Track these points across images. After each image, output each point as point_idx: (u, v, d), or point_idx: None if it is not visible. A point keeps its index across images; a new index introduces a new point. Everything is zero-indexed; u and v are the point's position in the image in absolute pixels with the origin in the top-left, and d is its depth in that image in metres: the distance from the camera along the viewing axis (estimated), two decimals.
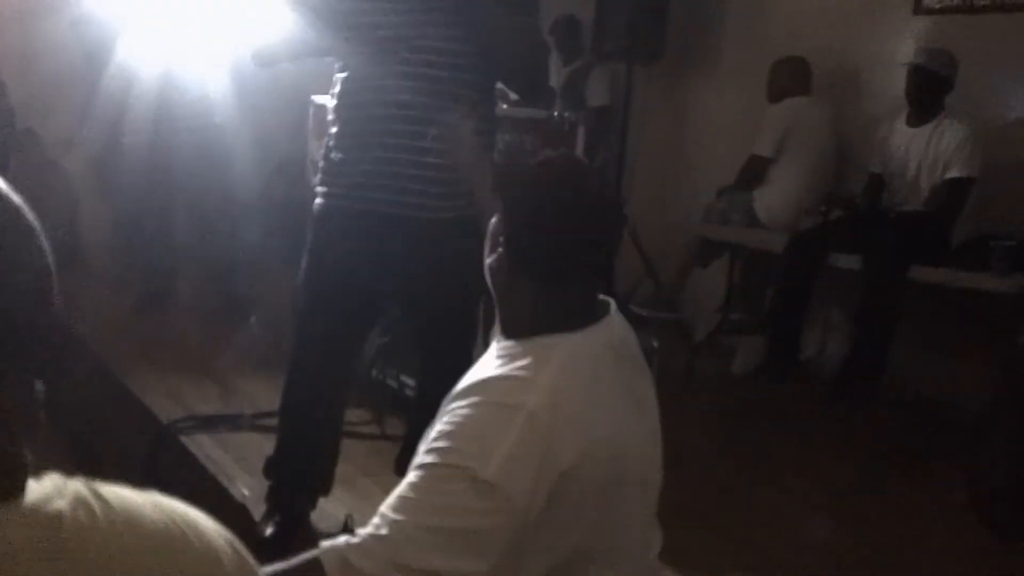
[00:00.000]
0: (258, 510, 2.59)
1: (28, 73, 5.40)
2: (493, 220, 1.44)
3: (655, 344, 3.43)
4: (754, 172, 4.55)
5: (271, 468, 2.55)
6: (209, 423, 3.28)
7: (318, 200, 2.39)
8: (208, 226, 4.59)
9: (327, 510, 2.61)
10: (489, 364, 1.37)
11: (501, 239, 1.40)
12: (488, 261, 1.43)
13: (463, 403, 1.29)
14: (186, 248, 4.67)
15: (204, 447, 3.12)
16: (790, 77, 4.53)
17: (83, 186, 5.56)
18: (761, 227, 4.53)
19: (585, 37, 5.36)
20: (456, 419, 1.28)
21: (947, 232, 3.96)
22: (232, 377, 3.76)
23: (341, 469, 2.62)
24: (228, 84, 4.20)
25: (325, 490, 2.57)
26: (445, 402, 1.34)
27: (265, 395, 3.30)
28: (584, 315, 1.38)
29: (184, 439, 3.19)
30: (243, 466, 2.95)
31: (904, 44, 4.23)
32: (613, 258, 1.48)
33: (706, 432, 3.59)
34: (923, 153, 4.00)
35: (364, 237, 2.30)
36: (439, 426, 1.30)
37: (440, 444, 1.26)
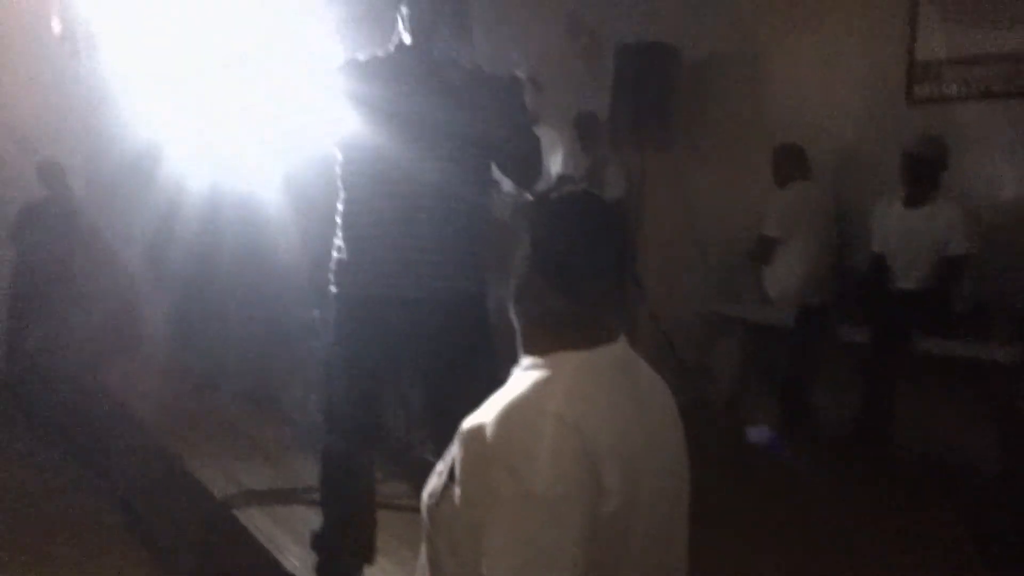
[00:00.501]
0: None
1: (93, 171, 5.81)
2: (516, 254, 1.54)
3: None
4: (764, 252, 4.81)
5: (317, 542, 2.71)
6: (261, 498, 3.49)
7: (332, 290, 2.56)
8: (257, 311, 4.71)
9: None
10: (508, 387, 1.45)
11: (526, 263, 1.50)
12: (514, 284, 1.54)
13: (494, 425, 1.35)
14: (237, 335, 4.79)
15: (256, 521, 3.31)
16: (791, 163, 4.79)
17: (140, 277, 5.90)
18: (771, 303, 4.77)
19: (602, 131, 5.64)
20: (493, 443, 1.33)
21: (948, 304, 4.17)
22: (283, 454, 3.99)
23: (383, 540, 2.76)
24: (277, 175, 4.30)
25: (369, 559, 2.72)
26: (464, 424, 1.40)
27: (314, 471, 3.52)
28: (595, 334, 1.47)
29: (237, 513, 3.39)
30: (293, 539, 3.11)
31: (899, 131, 4.45)
32: (626, 288, 1.56)
33: (720, 495, 3.73)
34: (922, 233, 4.20)
35: (379, 322, 2.47)
36: (466, 450, 1.37)
37: (483, 472, 1.33)
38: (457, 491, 1.37)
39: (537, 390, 1.38)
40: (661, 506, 1.44)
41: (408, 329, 2.47)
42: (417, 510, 3.27)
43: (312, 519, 2.96)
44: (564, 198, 1.57)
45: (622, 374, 1.47)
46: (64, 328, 5.60)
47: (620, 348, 1.50)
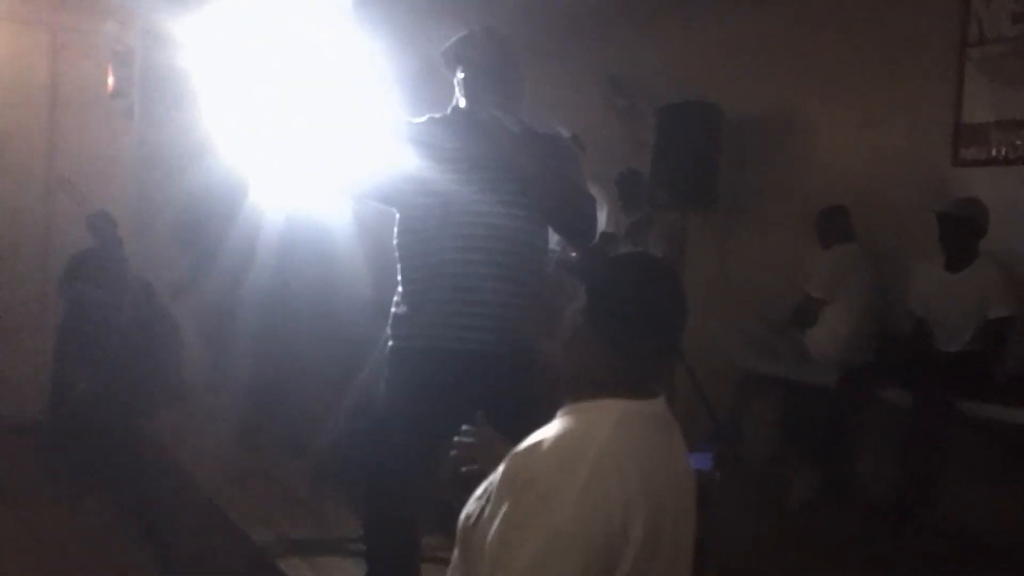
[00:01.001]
0: None
1: (143, 227, 5.94)
2: (569, 308, 1.61)
3: (717, 476, 3.62)
4: (808, 312, 4.80)
5: None
6: (302, 547, 3.51)
7: (389, 344, 2.62)
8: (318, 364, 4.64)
9: None
10: (554, 425, 1.51)
11: (580, 316, 1.57)
12: (565, 334, 1.61)
13: (537, 456, 1.42)
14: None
15: (297, 570, 3.34)
16: (837, 224, 4.79)
17: (189, 330, 5.99)
18: (812, 362, 4.75)
19: (645, 188, 5.68)
20: (532, 472, 1.40)
21: (992, 369, 4.13)
22: (324, 504, 4.01)
23: None
24: (350, 228, 4.31)
25: None
26: (513, 453, 1.46)
27: (354, 522, 3.45)
28: (641, 389, 1.54)
29: (278, 562, 3.41)
30: None
31: (942, 193, 4.42)
32: (677, 345, 1.63)
33: (761, 559, 3.71)
34: (963, 297, 4.18)
35: (429, 375, 2.52)
36: (511, 478, 1.42)
37: (517, 498, 1.38)
38: (489, 511, 1.43)
39: (582, 431, 1.45)
40: (678, 562, 1.50)
41: (463, 383, 2.51)
42: None
43: (352, 569, 2.99)
44: (628, 258, 1.70)
45: (659, 430, 1.53)
46: (110, 377, 5.69)
47: (660, 405, 1.56)
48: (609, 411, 1.48)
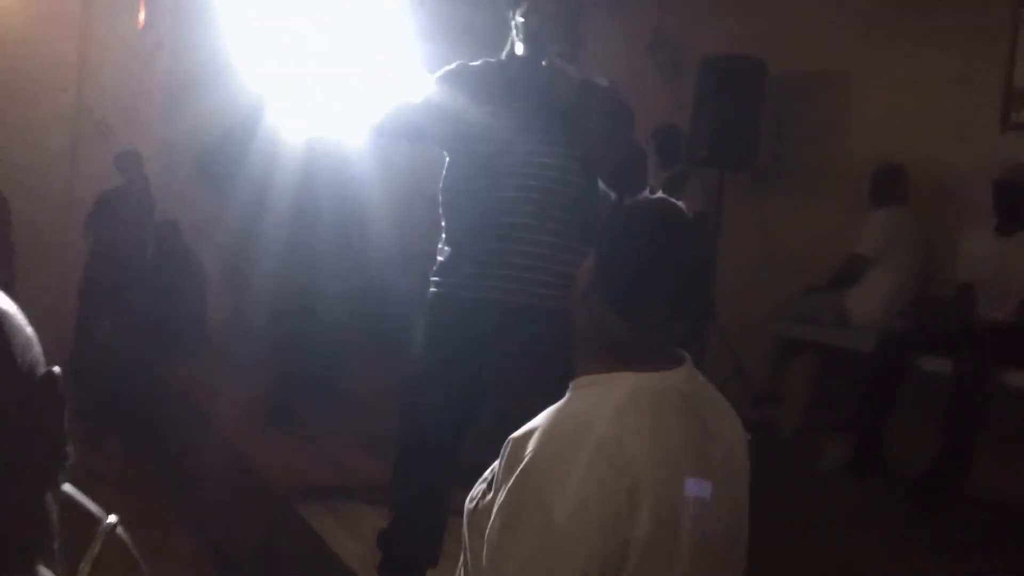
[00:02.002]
0: None
1: (170, 165, 5.88)
2: (584, 263, 1.48)
3: (748, 437, 3.55)
4: (854, 271, 4.68)
5: (384, 540, 2.67)
6: (324, 495, 3.47)
7: (432, 290, 2.55)
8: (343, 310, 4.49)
9: None
10: (561, 403, 1.39)
11: (589, 275, 1.44)
12: (577, 297, 1.48)
13: (537, 437, 1.31)
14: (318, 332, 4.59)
15: (318, 516, 3.30)
16: (893, 184, 4.67)
17: (212, 271, 5.95)
18: (851, 327, 4.64)
19: (683, 144, 5.58)
20: (530, 455, 1.29)
21: None
22: (347, 452, 3.98)
23: (448, 545, 2.69)
24: (372, 170, 4.17)
25: (433, 562, 2.67)
26: (512, 438, 1.37)
27: (378, 470, 3.50)
28: (658, 358, 1.39)
29: (299, 509, 3.37)
30: (352, 535, 3.12)
31: (992, 158, 4.31)
32: (696, 308, 1.48)
33: (792, 528, 3.66)
34: (1013, 263, 4.06)
35: (473, 325, 2.44)
36: (512, 461, 1.32)
37: (513, 485, 1.29)
38: (491, 497, 1.35)
39: (585, 412, 1.32)
40: (711, 538, 1.34)
41: (506, 335, 2.44)
42: None
43: (374, 518, 2.94)
44: (636, 208, 1.45)
45: (681, 401, 1.37)
46: (135, 318, 5.66)
47: (684, 373, 1.41)
48: (618, 387, 1.34)
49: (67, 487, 0.90)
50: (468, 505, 1.46)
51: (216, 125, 5.45)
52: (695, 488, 1.32)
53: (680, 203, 1.45)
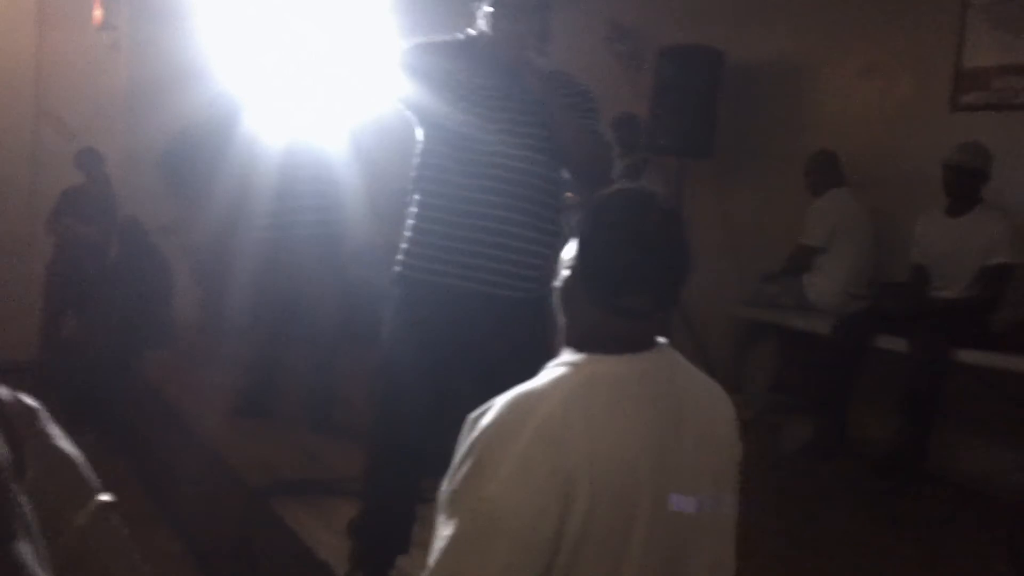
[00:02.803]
0: (340, 568, 2.77)
1: (133, 164, 5.84)
2: (565, 250, 1.48)
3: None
4: (802, 260, 4.79)
5: (356, 530, 2.71)
6: (294, 487, 3.48)
7: (400, 270, 2.55)
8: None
9: (404, 569, 2.72)
10: (533, 380, 1.38)
11: (571, 267, 1.44)
12: (557, 283, 1.48)
13: (486, 418, 1.30)
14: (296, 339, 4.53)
15: (290, 509, 3.31)
16: (826, 170, 4.77)
17: (180, 268, 5.92)
18: (811, 310, 4.72)
19: (642, 133, 5.64)
20: (475, 435, 1.29)
21: (990, 317, 4.12)
22: (318, 444, 3.99)
23: (418, 532, 2.69)
24: (353, 165, 4.19)
25: (404, 550, 2.70)
26: (469, 417, 1.36)
27: (349, 462, 3.44)
28: (628, 342, 1.38)
29: (271, 502, 3.39)
30: (325, 527, 3.13)
31: (942, 139, 4.36)
32: (673, 294, 1.44)
33: (755, 508, 3.70)
34: (964, 242, 4.16)
35: (446, 312, 2.47)
36: (463, 434, 1.33)
37: (457, 462, 1.29)
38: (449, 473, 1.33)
39: (536, 392, 1.31)
40: (676, 526, 1.32)
41: (472, 323, 2.46)
42: None
43: (348, 510, 2.96)
44: (613, 198, 1.45)
45: (652, 385, 1.36)
46: (99, 316, 5.63)
47: (657, 357, 1.41)
48: (578, 370, 1.34)
49: (70, 449, 0.90)
50: (440, 487, 1.46)
51: (178, 124, 5.40)
52: (654, 487, 1.29)
53: (656, 191, 1.47)
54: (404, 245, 2.57)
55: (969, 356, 3.99)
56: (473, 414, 1.34)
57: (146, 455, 4.70)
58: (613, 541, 1.26)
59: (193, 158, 5.27)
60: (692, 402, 1.41)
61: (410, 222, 2.57)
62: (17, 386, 1.02)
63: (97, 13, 6.33)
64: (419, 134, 2.59)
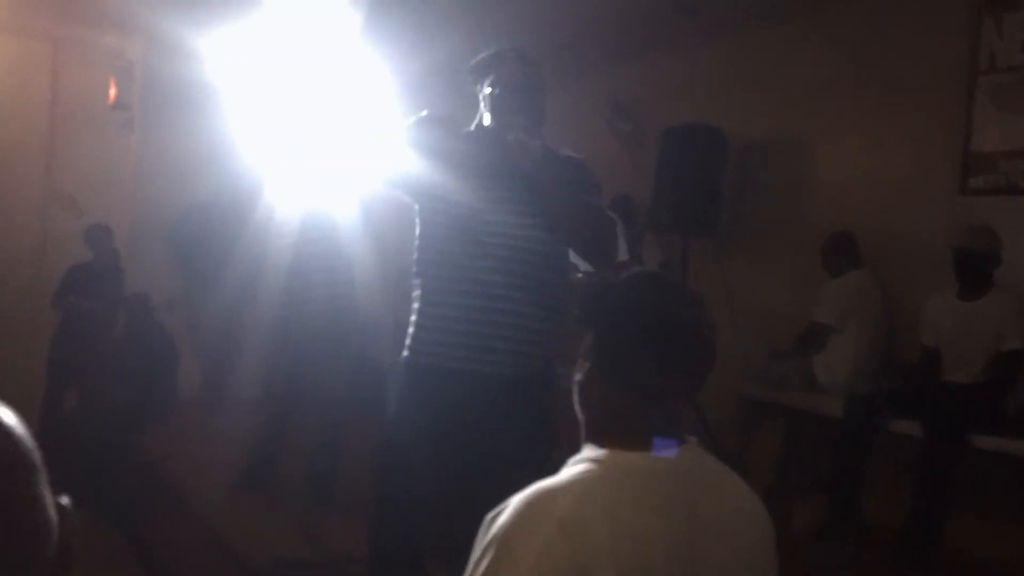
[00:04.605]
0: None
1: (140, 239, 5.86)
2: (582, 345, 1.44)
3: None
4: (815, 339, 4.75)
5: None
6: (296, 568, 3.43)
7: (407, 356, 2.53)
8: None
9: None
10: (553, 477, 1.35)
11: (589, 355, 1.40)
12: (575, 379, 1.44)
13: (503, 516, 1.27)
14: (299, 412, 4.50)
15: None
16: (843, 251, 4.74)
17: (182, 344, 5.91)
18: (819, 391, 4.68)
19: (636, 211, 5.66)
20: (493, 532, 1.26)
21: (1003, 402, 4.06)
22: (319, 524, 3.91)
23: None
24: (368, 247, 4.24)
25: None
26: (488, 516, 1.34)
27: (351, 541, 3.41)
28: (652, 430, 1.35)
29: None
30: None
31: (950, 222, 4.38)
32: (698, 387, 1.42)
33: None
34: (976, 326, 4.13)
35: (452, 395, 2.44)
36: (483, 530, 1.30)
37: (474, 560, 1.26)
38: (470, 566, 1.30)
39: (557, 486, 1.29)
40: None
41: (475, 405, 2.44)
42: None
43: None
44: (631, 282, 1.43)
45: (674, 482, 1.32)
46: (103, 391, 5.60)
47: (683, 453, 1.37)
48: (601, 465, 1.30)
49: None
50: None
51: (187, 201, 5.45)
52: (680, 569, 1.27)
53: (674, 275, 1.44)
54: (411, 329, 2.56)
55: (983, 441, 3.94)
56: (490, 514, 1.31)
57: (144, 531, 4.61)
58: None
59: (202, 233, 5.31)
60: (715, 501, 1.36)
61: (415, 305, 2.57)
62: None
63: (111, 92, 6.43)
64: (418, 215, 2.60)
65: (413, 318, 2.56)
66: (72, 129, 6.47)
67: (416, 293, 2.57)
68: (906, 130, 4.81)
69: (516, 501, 1.28)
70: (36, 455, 0.78)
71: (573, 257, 2.66)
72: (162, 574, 4.18)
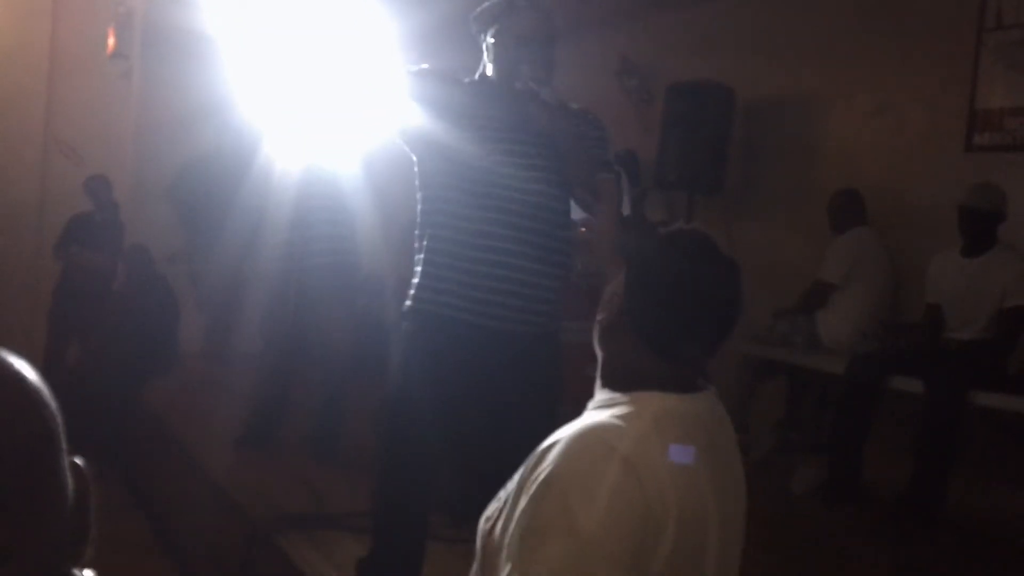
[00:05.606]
0: None
1: (141, 192, 5.83)
2: (611, 284, 1.45)
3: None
4: (819, 297, 4.74)
5: (364, 568, 2.64)
6: (300, 522, 3.41)
7: (411, 305, 2.50)
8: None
9: None
10: (578, 421, 1.36)
11: (617, 300, 1.41)
12: (599, 318, 1.44)
13: (558, 450, 1.28)
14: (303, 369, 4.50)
15: (296, 546, 3.24)
16: (849, 208, 4.73)
17: (185, 297, 5.89)
18: (822, 349, 4.68)
19: (640, 168, 5.62)
20: (552, 467, 1.27)
21: (1005, 359, 4.07)
22: (324, 478, 3.92)
23: (427, 571, 2.67)
24: (369, 202, 4.20)
25: None
26: (535, 452, 1.35)
27: (356, 497, 3.45)
28: (684, 383, 1.38)
29: (276, 537, 3.31)
30: (330, 563, 3.07)
31: (956, 180, 4.35)
32: (726, 337, 1.43)
33: (764, 551, 3.64)
34: (980, 283, 4.12)
35: (459, 348, 2.42)
36: (532, 474, 1.30)
37: (531, 495, 1.27)
38: (506, 514, 1.32)
39: (611, 429, 1.29)
40: (731, 562, 1.38)
41: (480, 358, 2.42)
42: (461, 541, 3.21)
43: (352, 545, 2.91)
44: (673, 240, 1.43)
45: (702, 428, 1.36)
46: (104, 343, 5.60)
47: (706, 400, 1.41)
48: (646, 406, 1.33)
49: None
50: (483, 525, 1.44)
51: (187, 154, 5.41)
52: (719, 512, 1.33)
53: (714, 236, 1.43)
54: (415, 280, 2.53)
55: (985, 399, 3.92)
56: (541, 446, 1.33)
57: (148, 485, 4.65)
58: (691, 568, 1.29)
59: (204, 187, 5.27)
60: (725, 447, 1.43)
61: (420, 256, 2.54)
62: None
63: (110, 42, 6.35)
64: (418, 168, 2.56)
65: (417, 268, 2.53)
66: (71, 79, 6.41)
67: (421, 243, 2.54)
68: (914, 89, 4.78)
69: (567, 440, 1.29)
70: (58, 422, 0.79)
71: (575, 212, 2.62)
72: (166, 527, 4.21)
